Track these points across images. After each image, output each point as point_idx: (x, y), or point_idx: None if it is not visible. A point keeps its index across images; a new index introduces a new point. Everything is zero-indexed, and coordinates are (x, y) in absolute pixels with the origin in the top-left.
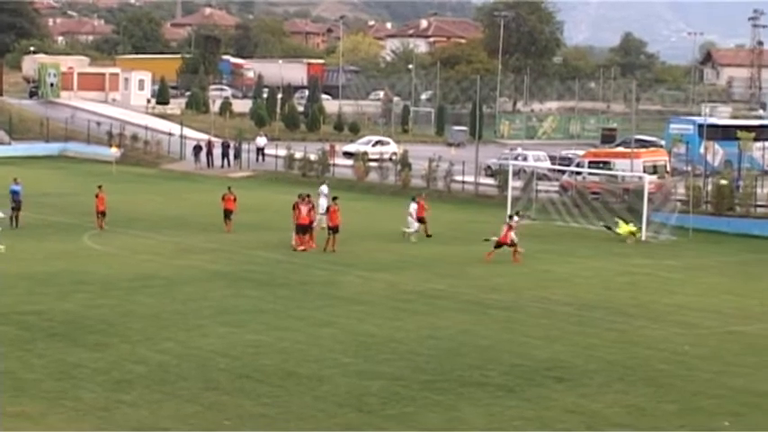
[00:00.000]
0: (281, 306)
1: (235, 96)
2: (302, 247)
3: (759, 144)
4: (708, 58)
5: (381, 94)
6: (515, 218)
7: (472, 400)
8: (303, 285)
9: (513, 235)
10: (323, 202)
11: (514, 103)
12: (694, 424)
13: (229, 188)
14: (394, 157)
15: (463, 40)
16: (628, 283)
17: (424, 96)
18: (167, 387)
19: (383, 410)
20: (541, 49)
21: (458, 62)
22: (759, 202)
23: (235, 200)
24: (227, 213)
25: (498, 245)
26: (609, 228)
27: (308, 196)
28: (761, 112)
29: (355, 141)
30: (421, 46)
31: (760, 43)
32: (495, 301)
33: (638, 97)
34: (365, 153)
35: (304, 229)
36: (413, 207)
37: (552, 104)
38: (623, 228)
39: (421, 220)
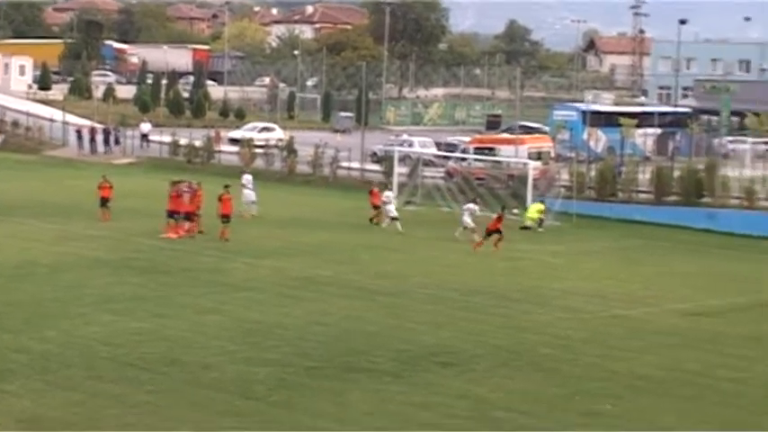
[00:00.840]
0: (164, 293)
1: (118, 82)
2: (183, 233)
3: (641, 131)
4: (591, 45)
5: (267, 80)
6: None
7: (359, 385)
8: (188, 272)
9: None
10: (248, 192)
11: (400, 90)
12: (578, 407)
13: (104, 176)
14: (280, 144)
15: (349, 27)
16: (512, 268)
17: (309, 83)
18: (50, 376)
19: (270, 397)
20: (427, 35)
21: (344, 48)
22: (640, 188)
23: (111, 187)
24: (104, 201)
25: (489, 232)
26: (515, 213)
27: (182, 182)
28: (642, 98)
29: (241, 128)
30: (307, 32)
31: (641, 31)
32: (383, 287)
33: (523, 84)
34: (251, 139)
35: (183, 217)
36: (387, 195)
37: (438, 91)
38: (533, 209)
39: (376, 207)
